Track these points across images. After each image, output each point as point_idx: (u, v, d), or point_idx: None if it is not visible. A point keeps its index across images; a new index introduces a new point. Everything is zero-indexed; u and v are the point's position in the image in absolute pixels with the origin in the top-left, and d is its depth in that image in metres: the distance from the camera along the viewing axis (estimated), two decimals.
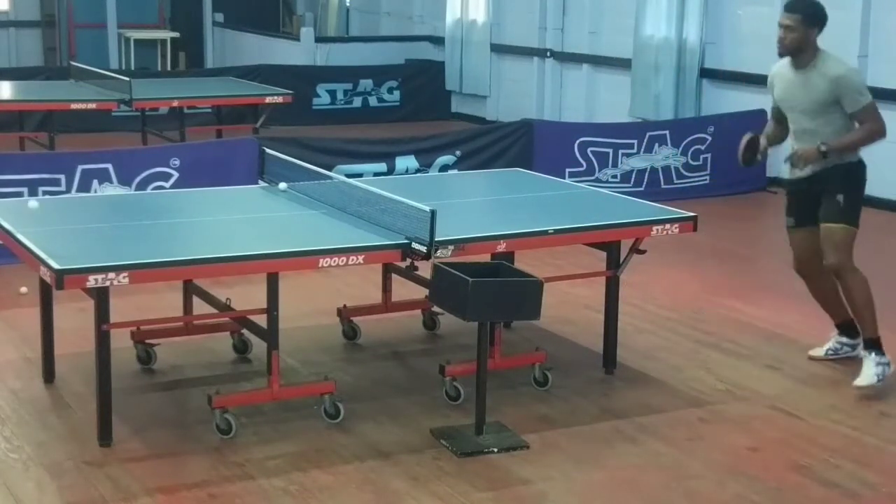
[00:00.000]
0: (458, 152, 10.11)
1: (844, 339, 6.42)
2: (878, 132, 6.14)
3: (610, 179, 10.59)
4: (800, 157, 6.10)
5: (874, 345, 6.08)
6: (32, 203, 5.81)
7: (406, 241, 5.35)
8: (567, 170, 10.30)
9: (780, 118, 6.35)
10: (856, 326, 6.29)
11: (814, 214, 6.20)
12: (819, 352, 6.47)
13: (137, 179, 8.65)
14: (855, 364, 6.23)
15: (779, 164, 11.58)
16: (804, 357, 6.54)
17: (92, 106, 10.65)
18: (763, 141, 6.28)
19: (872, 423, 5.71)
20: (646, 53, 12.73)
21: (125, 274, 4.89)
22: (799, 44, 6.08)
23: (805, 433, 5.57)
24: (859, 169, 6.26)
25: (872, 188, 10.79)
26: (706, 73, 12.31)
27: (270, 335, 5.43)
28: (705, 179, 11.07)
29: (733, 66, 12.06)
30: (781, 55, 6.19)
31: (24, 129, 11.64)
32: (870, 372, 6.03)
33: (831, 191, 6.12)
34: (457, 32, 15.69)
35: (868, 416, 5.78)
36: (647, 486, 5.01)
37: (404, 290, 6.61)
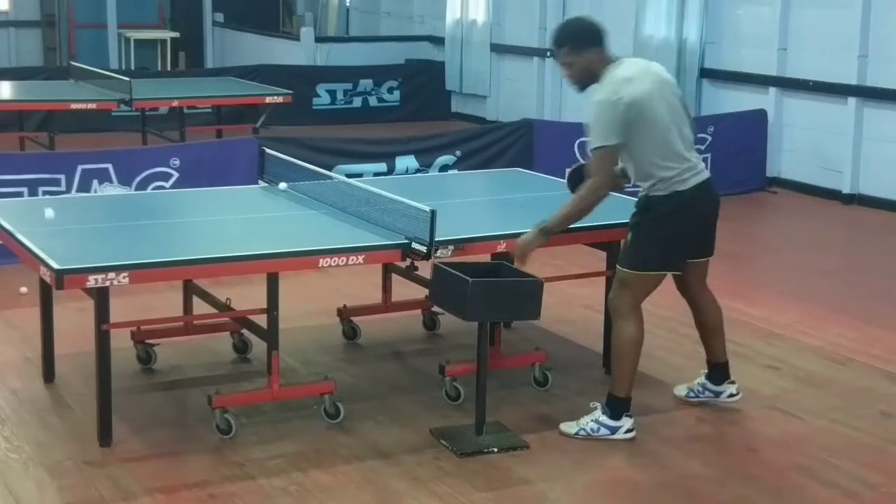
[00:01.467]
0: (458, 152, 10.12)
1: (708, 383, 5.80)
2: (597, 190, 5.28)
3: None
4: (518, 247, 5.37)
5: (613, 404, 5.38)
6: (49, 212, 5.76)
7: (406, 241, 5.35)
8: (567, 170, 10.24)
9: None
10: (724, 366, 5.77)
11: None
12: (681, 390, 5.88)
13: (137, 179, 8.65)
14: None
15: (778, 163, 11.64)
16: (804, 357, 6.55)
17: (92, 106, 10.65)
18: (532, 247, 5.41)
19: (872, 423, 5.71)
20: (646, 53, 12.71)
21: (125, 274, 4.90)
22: (584, 73, 5.36)
23: (805, 433, 5.57)
24: (665, 204, 5.29)
25: (873, 188, 10.90)
26: (706, 73, 12.32)
27: (270, 335, 5.43)
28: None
29: (733, 67, 12.07)
30: (581, 91, 5.45)
31: (24, 129, 11.65)
32: (583, 421, 5.38)
33: (630, 230, 5.45)
34: (457, 32, 15.70)
35: (868, 416, 5.78)
36: (647, 486, 5.01)
37: (404, 290, 6.61)
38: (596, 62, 5.35)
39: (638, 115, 5.19)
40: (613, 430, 5.36)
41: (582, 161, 5.50)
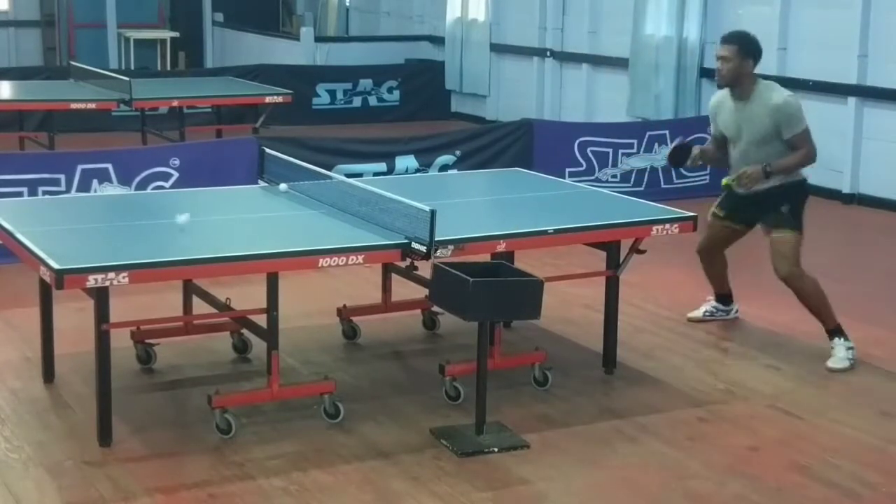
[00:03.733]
0: (457, 152, 10.11)
1: (720, 305, 7.17)
2: (810, 157, 6.48)
3: (610, 179, 10.59)
4: (748, 176, 6.40)
5: (838, 332, 6.47)
6: (184, 217, 5.62)
7: (406, 241, 5.35)
8: (567, 169, 10.30)
9: (721, 144, 6.72)
10: (729, 296, 7.14)
11: (745, 218, 6.73)
12: (697, 313, 7.17)
13: (137, 179, 8.65)
14: (820, 356, 6.38)
15: None
16: (804, 357, 6.54)
17: (92, 106, 10.64)
18: (695, 150, 6.70)
19: (872, 423, 5.71)
20: (646, 53, 12.74)
21: (125, 274, 4.89)
22: (735, 74, 6.42)
23: (805, 433, 5.57)
24: (803, 186, 6.64)
25: (873, 188, 10.92)
26: (706, 73, 12.30)
27: (270, 335, 5.43)
28: (705, 179, 11.05)
29: None
30: (720, 86, 6.58)
31: (24, 128, 11.64)
32: (842, 356, 6.40)
33: (776, 203, 6.51)
34: (457, 32, 15.70)
35: (868, 416, 5.78)
36: (647, 486, 5.01)
37: (404, 290, 6.61)
38: (748, 72, 6.46)
39: None
40: (853, 347, 6.46)
41: (681, 141, 6.95)
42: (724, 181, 6.61)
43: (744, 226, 6.81)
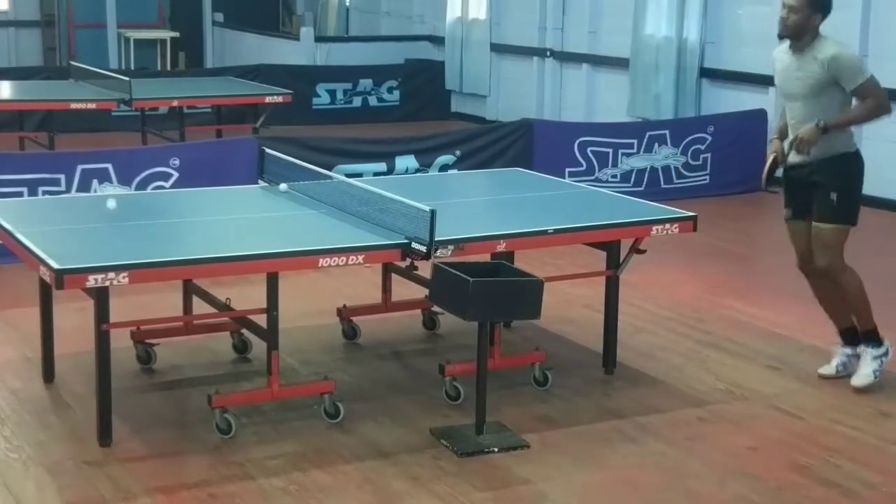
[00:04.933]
0: (457, 152, 10.12)
1: (849, 351, 6.21)
2: (881, 107, 5.93)
3: (610, 179, 10.59)
4: (802, 140, 5.85)
5: (871, 336, 6.11)
6: (111, 203, 5.94)
7: (406, 241, 5.35)
8: (567, 169, 10.30)
9: None
10: (853, 330, 6.18)
11: (811, 207, 6.04)
12: (829, 369, 6.23)
13: (137, 179, 8.65)
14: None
15: None
16: (804, 357, 6.54)
17: (92, 106, 10.64)
18: (784, 146, 6.02)
19: (872, 423, 5.71)
20: (646, 53, 12.74)
21: (125, 274, 4.89)
22: (800, 26, 5.89)
23: (805, 433, 5.57)
24: (855, 161, 6.05)
25: (872, 188, 10.87)
26: (706, 73, 12.31)
27: (270, 335, 5.43)
28: (705, 179, 11.07)
29: (733, 66, 12.06)
30: (781, 36, 6.00)
31: (24, 128, 11.64)
32: (867, 371, 6.07)
33: (826, 186, 5.94)
34: (457, 32, 15.70)
35: (868, 416, 5.78)
36: (647, 486, 5.01)
37: (404, 290, 6.61)
38: (814, 25, 5.92)
39: None
40: (886, 352, 6.10)
41: (774, 155, 6.05)
42: (769, 157, 6.02)
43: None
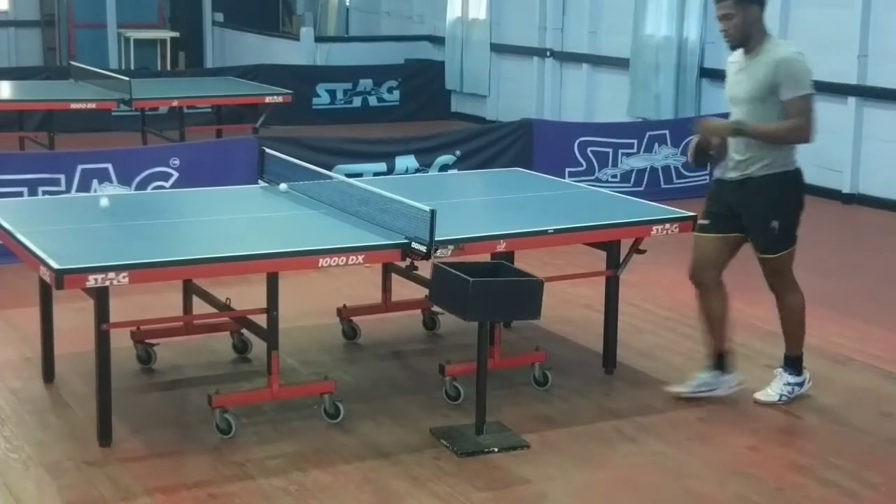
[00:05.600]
0: (457, 152, 10.12)
1: (706, 377, 5.91)
2: (802, 130, 5.53)
3: (610, 179, 10.60)
4: (707, 128, 5.62)
5: (793, 363, 5.89)
6: (104, 201, 5.97)
7: (406, 241, 5.35)
8: (567, 169, 10.31)
9: None
10: (725, 361, 5.93)
11: (733, 224, 5.75)
12: (684, 388, 5.91)
13: (137, 179, 8.65)
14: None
15: None
16: (804, 357, 6.53)
17: (92, 106, 10.65)
18: (715, 140, 5.68)
19: (872, 423, 5.71)
20: (646, 53, 12.74)
21: (125, 274, 4.90)
22: (742, 27, 5.55)
23: (805, 433, 5.57)
24: (795, 180, 5.72)
25: (873, 188, 10.91)
26: (706, 73, 12.32)
27: (270, 335, 5.43)
28: (705, 179, 11.04)
29: None
30: (733, 47, 5.70)
31: (24, 128, 11.64)
32: (776, 391, 5.86)
33: (764, 216, 5.65)
34: (457, 32, 15.70)
35: (868, 416, 5.78)
36: (647, 486, 5.01)
37: (404, 290, 6.61)
38: (754, 21, 5.58)
39: None
40: (801, 384, 5.91)
41: (698, 137, 5.73)
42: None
43: (737, 234, 5.80)
